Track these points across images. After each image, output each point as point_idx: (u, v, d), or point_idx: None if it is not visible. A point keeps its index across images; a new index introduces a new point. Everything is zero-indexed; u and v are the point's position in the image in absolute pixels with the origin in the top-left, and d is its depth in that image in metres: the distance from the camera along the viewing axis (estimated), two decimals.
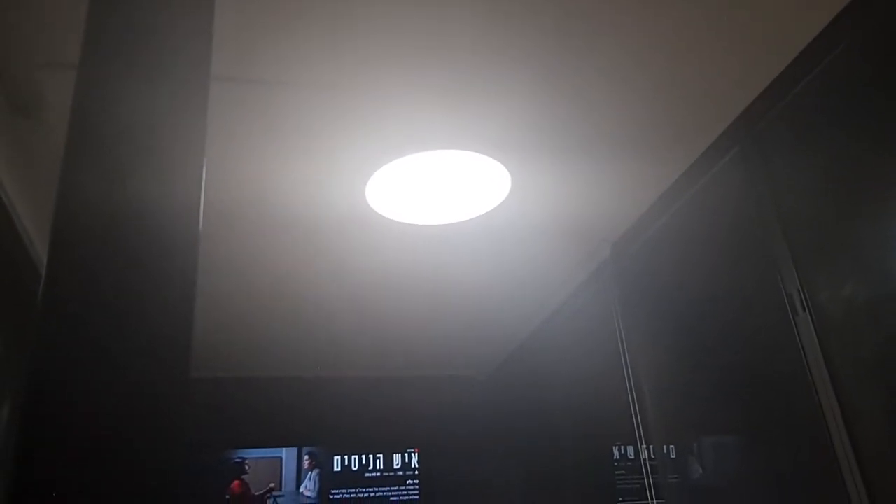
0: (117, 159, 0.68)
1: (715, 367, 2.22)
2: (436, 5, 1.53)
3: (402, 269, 2.82)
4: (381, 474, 4.06)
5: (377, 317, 3.34)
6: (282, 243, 2.52)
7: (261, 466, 3.90)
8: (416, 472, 4.11)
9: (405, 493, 4.05)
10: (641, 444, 2.57)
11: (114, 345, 0.61)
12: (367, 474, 4.04)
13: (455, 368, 4.37)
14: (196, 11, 0.81)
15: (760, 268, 1.94)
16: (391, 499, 4.02)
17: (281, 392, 4.07)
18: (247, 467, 3.87)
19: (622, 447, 3.08)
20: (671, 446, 2.46)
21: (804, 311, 1.74)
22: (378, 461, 4.08)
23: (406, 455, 4.13)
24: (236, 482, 3.83)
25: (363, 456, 4.07)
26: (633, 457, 2.96)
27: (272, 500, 3.85)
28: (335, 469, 4.01)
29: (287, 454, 3.97)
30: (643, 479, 2.56)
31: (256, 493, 3.84)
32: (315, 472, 3.97)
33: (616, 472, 3.07)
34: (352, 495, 3.98)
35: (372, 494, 4.01)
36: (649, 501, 2.53)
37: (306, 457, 3.99)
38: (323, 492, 3.94)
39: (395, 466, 4.09)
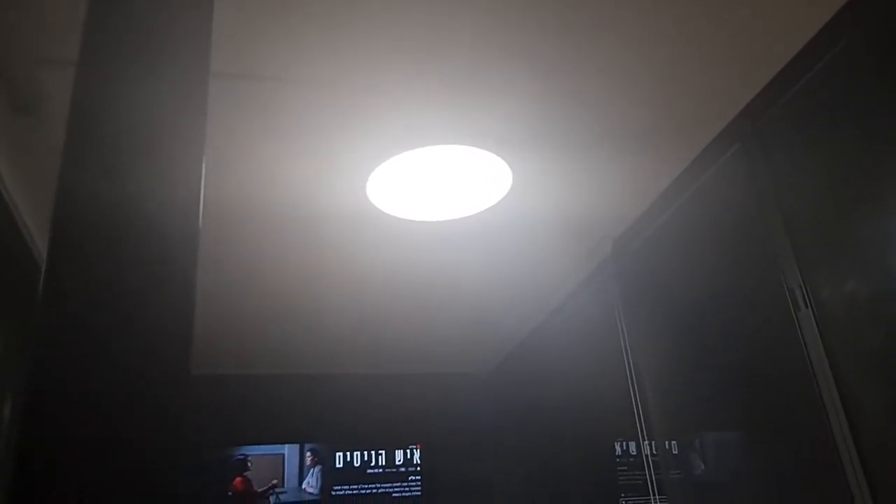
0: (117, 156, 0.68)
1: (717, 363, 2.22)
2: (436, 0, 1.53)
3: (403, 265, 2.82)
4: (384, 471, 4.07)
5: (378, 313, 3.34)
6: (283, 240, 2.52)
7: (263, 463, 3.91)
8: (419, 469, 4.11)
9: (407, 489, 4.06)
10: (643, 440, 2.57)
11: (114, 342, 0.61)
12: (369, 471, 4.05)
13: (457, 365, 4.37)
14: (195, 8, 0.80)
15: (762, 264, 1.93)
16: (393, 495, 4.03)
17: (283, 389, 4.08)
18: (249, 464, 3.88)
19: (624, 443, 3.08)
20: (673, 442, 2.45)
21: (806, 307, 1.74)
22: (380, 457, 4.09)
23: (408, 451, 4.13)
24: (239, 479, 3.84)
25: (365, 452, 4.07)
26: (634, 453, 2.96)
27: (274, 496, 3.86)
28: (337, 465, 4.02)
29: (289, 451, 3.97)
30: (645, 475, 2.56)
31: (259, 490, 3.85)
32: (317, 468, 3.98)
33: (618, 469, 3.07)
34: (354, 492, 3.98)
35: (374, 491, 4.01)
36: (651, 497, 2.53)
37: (308, 453, 3.99)
38: (325, 488, 3.95)
39: (397, 463, 4.10)
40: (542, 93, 1.85)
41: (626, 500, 3.01)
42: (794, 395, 1.81)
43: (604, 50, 1.71)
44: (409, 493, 4.05)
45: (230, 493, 3.80)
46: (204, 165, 0.73)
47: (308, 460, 3.98)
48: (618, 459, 3.09)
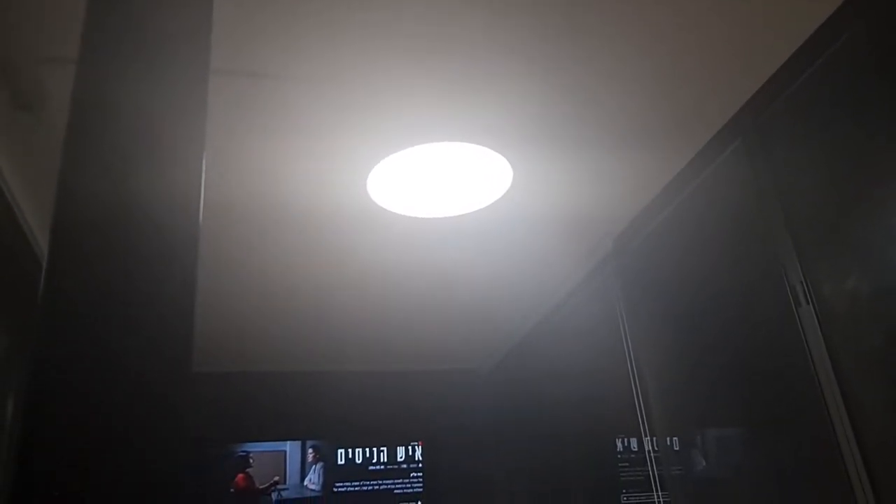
0: (117, 154, 0.68)
1: (718, 360, 2.22)
2: None
3: (404, 262, 2.82)
4: (385, 467, 4.07)
5: (380, 310, 3.34)
6: (283, 237, 2.52)
7: (265, 460, 3.91)
8: (420, 465, 4.11)
9: (409, 485, 4.06)
10: (645, 436, 2.57)
11: (115, 339, 0.61)
12: (370, 467, 4.05)
13: (458, 362, 4.37)
14: (195, 5, 0.80)
15: (764, 260, 1.93)
16: (395, 491, 4.03)
17: (285, 386, 4.08)
18: (251, 461, 3.88)
19: (626, 439, 3.08)
20: (675, 438, 2.46)
21: (807, 303, 1.74)
22: (382, 454, 4.09)
23: (410, 448, 4.13)
24: (241, 476, 3.84)
25: (367, 449, 4.08)
26: (636, 449, 2.96)
27: (276, 493, 3.86)
28: (339, 462, 4.02)
29: (291, 448, 3.98)
30: (647, 471, 2.56)
31: (261, 487, 3.85)
32: (319, 465, 3.98)
33: (619, 465, 3.07)
34: (356, 488, 3.99)
35: (376, 487, 4.02)
36: (653, 493, 2.53)
37: (310, 450, 3.99)
38: (327, 485, 3.95)
39: (398, 459, 4.10)
40: (542, 89, 1.85)
41: (627, 497, 3.01)
42: (796, 391, 1.81)
43: (604, 46, 1.71)
44: (411, 490, 4.06)
45: (232, 490, 3.81)
46: (204, 162, 0.73)
47: (310, 457, 3.98)
48: (619, 456, 3.09)
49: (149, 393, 0.61)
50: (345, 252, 2.68)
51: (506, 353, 4.08)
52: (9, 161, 1.91)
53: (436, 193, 2.29)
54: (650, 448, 2.55)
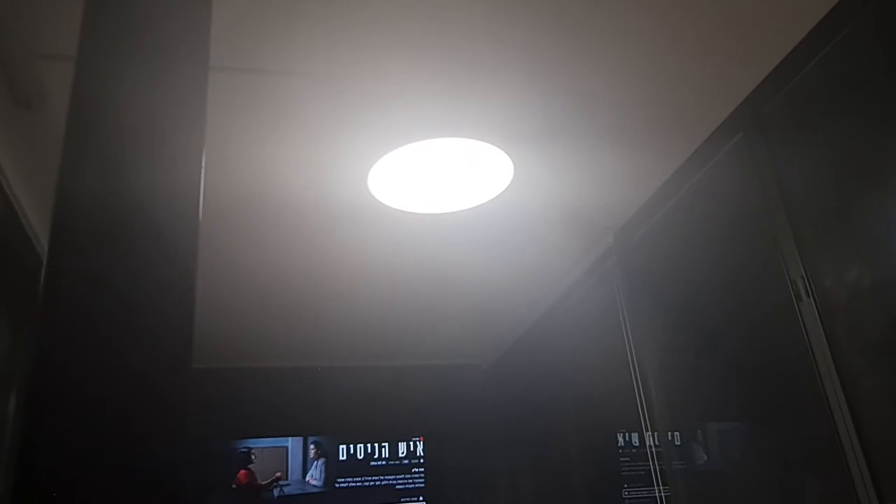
0: (117, 150, 0.68)
1: (719, 354, 2.22)
2: None
3: (405, 257, 2.82)
4: (387, 463, 4.08)
5: (381, 306, 3.34)
6: (285, 233, 2.52)
7: (267, 456, 3.92)
8: (422, 461, 4.12)
9: (411, 481, 4.07)
10: (646, 430, 2.58)
11: (115, 336, 0.62)
12: (372, 463, 4.06)
13: (459, 357, 4.37)
14: (195, 2, 0.80)
15: (764, 254, 1.93)
16: (397, 487, 4.04)
17: (286, 382, 4.09)
18: (253, 457, 3.89)
19: (627, 434, 3.09)
20: (676, 433, 2.46)
21: (808, 296, 1.74)
22: (383, 450, 4.10)
23: (411, 443, 4.14)
24: (243, 472, 3.85)
25: (368, 445, 4.08)
26: (637, 444, 2.97)
27: (278, 489, 3.87)
28: (341, 458, 4.03)
29: (293, 444, 3.99)
30: (648, 465, 2.56)
31: (263, 483, 3.86)
32: (321, 461, 3.99)
33: (621, 459, 3.08)
34: (357, 484, 4.00)
35: (377, 483, 4.03)
36: (654, 488, 2.54)
37: (312, 446, 4.00)
38: (329, 481, 3.96)
39: (400, 455, 4.11)
40: (543, 85, 1.85)
41: (629, 491, 3.02)
42: (797, 384, 1.81)
43: (605, 41, 1.71)
44: (413, 486, 4.06)
45: (235, 486, 3.82)
46: (204, 158, 0.73)
47: (311, 453, 3.99)
48: (621, 450, 3.09)
49: (149, 389, 0.61)
50: (346, 248, 2.68)
51: (507, 348, 4.08)
52: (10, 157, 1.91)
53: (437, 189, 2.29)
54: (651, 442, 2.56)
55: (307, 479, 3.94)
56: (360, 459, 4.05)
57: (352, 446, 4.06)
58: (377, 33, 1.63)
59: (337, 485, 3.97)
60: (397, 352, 4.12)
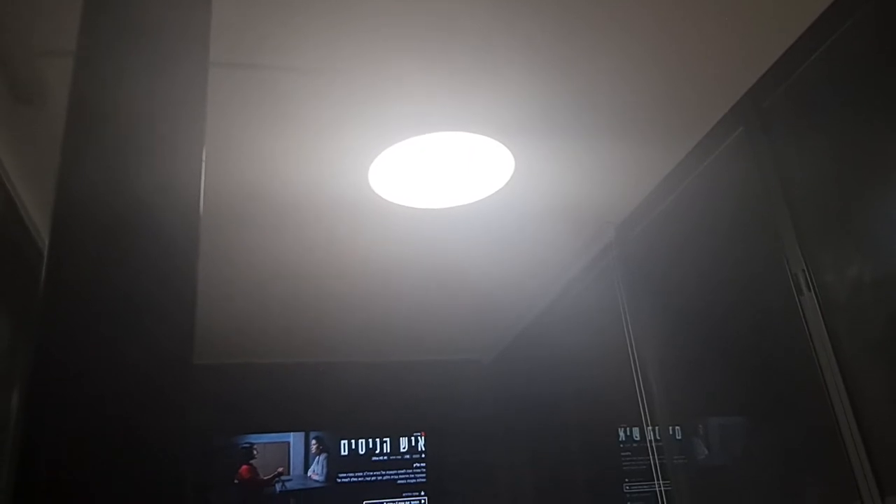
0: (117, 146, 0.68)
1: (720, 348, 2.22)
2: None
3: (405, 252, 2.82)
4: (388, 458, 4.08)
5: (382, 301, 3.34)
6: (285, 228, 2.52)
7: (269, 451, 3.93)
8: (423, 456, 4.13)
9: (412, 476, 4.07)
10: (647, 425, 2.58)
11: (116, 332, 0.62)
12: (374, 458, 4.06)
13: (460, 352, 4.37)
14: None
15: (765, 248, 1.93)
16: (398, 482, 4.05)
17: (288, 378, 4.09)
18: (255, 452, 3.90)
19: (628, 429, 3.09)
20: (677, 427, 2.46)
21: (809, 290, 1.74)
22: (385, 445, 4.10)
23: (413, 438, 4.14)
24: (245, 467, 3.86)
25: (370, 440, 4.09)
26: (638, 438, 2.97)
27: (280, 484, 3.88)
28: (342, 453, 4.03)
29: (295, 439, 3.99)
30: (649, 460, 2.57)
31: (265, 478, 3.87)
32: (323, 456, 3.99)
33: (622, 454, 3.08)
34: (359, 479, 4.00)
35: (379, 478, 4.03)
36: (655, 482, 2.54)
37: (314, 441, 4.01)
38: (330, 476, 3.97)
39: (401, 450, 4.11)
40: (544, 79, 1.85)
41: (629, 486, 3.02)
42: (798, 379, 1.81)
43: (606, 36, 1.70)
44: (414, 480, 4.07)
45: (237, 481, 3.83)
46: (204, 154, 0.73)
47: (313, 448, 4.00)
48: (622, 445, 3.10)
49: (150, 385, 0.61)
50: (347, 243, 2.68)
51: (508, 343, 4.08)
52: (10, 154, 1.91)
53: (438, 184, 2.29)
54: (652, 437, 2.56)
55: (309, 474, 3.95)
56: (361, 454, 4.06)
57: (353, 441, 4.06)
58: (377, 28, 1.62)
59: (339, 480, 3.97)
60: (398, 347, 4.12)
